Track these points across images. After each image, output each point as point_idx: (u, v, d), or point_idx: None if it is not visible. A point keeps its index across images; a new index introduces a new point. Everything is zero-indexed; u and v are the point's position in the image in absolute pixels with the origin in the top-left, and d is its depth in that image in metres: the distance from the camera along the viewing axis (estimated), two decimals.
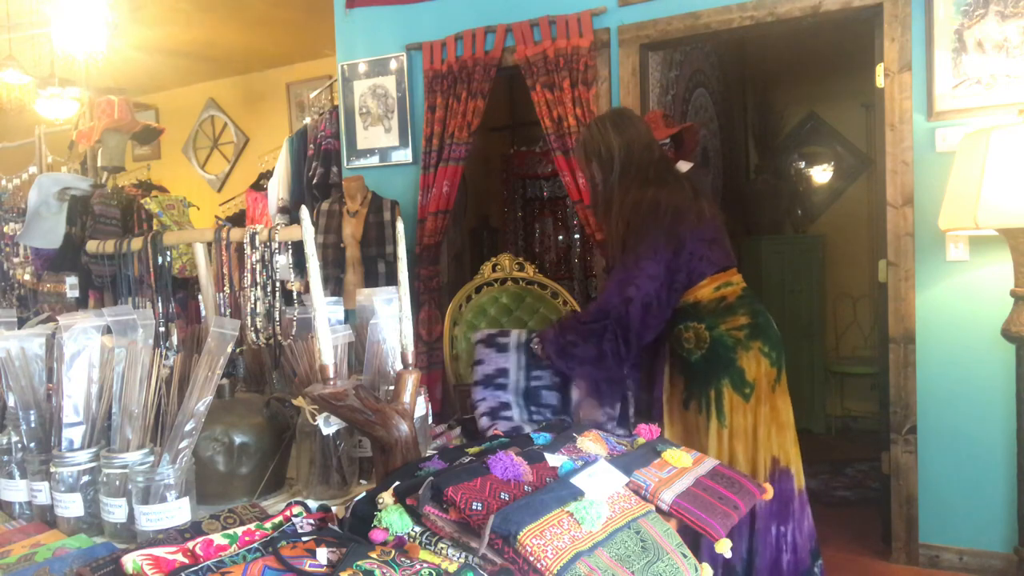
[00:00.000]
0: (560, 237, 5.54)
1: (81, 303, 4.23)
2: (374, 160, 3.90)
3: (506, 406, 2.12)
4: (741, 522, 2.09)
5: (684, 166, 2.68)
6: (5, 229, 4.66)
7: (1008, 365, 2.61)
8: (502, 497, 1.05)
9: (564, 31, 3.32)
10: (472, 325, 3.27)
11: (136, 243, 2.32)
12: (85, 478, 1.28)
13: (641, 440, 1.50)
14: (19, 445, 1.38)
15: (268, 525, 1.08)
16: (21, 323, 1.97)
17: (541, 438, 1.41)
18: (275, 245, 2.09)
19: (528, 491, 1.10)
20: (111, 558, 1.00)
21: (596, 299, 2.26)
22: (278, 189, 4.36)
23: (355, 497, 1.14)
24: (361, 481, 1.53)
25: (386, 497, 1.08)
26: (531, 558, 0.95)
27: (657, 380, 2.30)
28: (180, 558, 0.96)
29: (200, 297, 2.30)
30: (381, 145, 3.88)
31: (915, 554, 2.91)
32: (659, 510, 1.23)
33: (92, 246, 2.48)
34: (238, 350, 2.05)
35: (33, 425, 1.36)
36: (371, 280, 3.54)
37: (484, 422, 2.06)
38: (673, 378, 2.28)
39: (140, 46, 5.51)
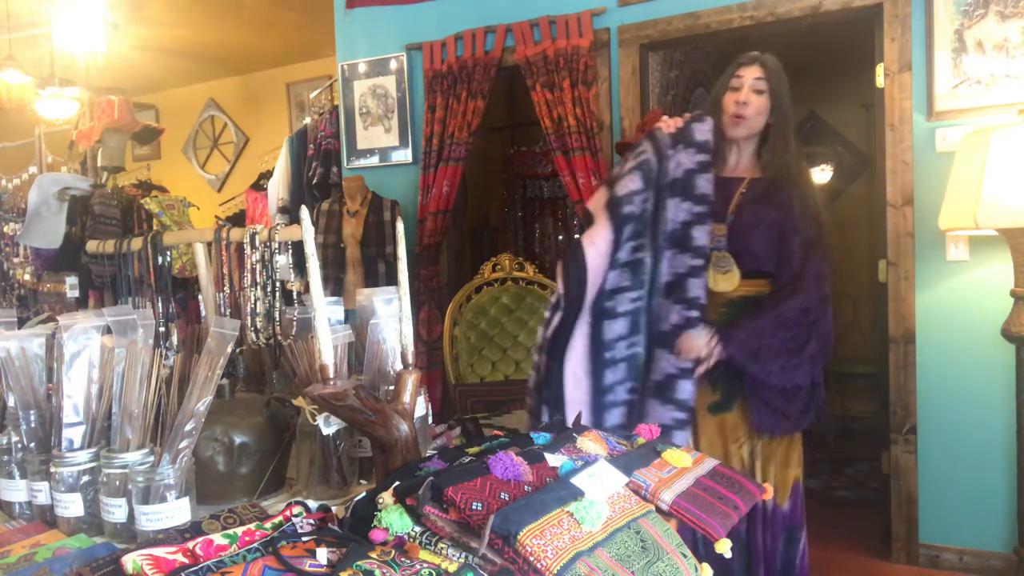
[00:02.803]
0: (560, 237, 5.54)
1: (81, 303, 4.23)
2: (374, 160, 3.90)
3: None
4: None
5: None
6: (5, 229, 4.67)
7: (1008, 365, 2.61)
8: (502, 497, 1.05)
9: (564, 31, 3.32)
10: (472, 325, 3.27)
11: (136, 243, 2.32)
12: (85, 478, 1.28)
13: (641, 440, 1.50)
14: (19, 445, 1.38)
15: (268, 525, 1.07)
16: (21, 323, 1.97)
17: (541, 438, 1.41)
18: (275, 245, 2.08)
19: (528, 491, 1.10)
20: (111, 558, 1.00)
21: (789, 292, 1.94)
22: (278, 189, 4.37)
23: (355, 497, 1.14)
24: (361, 481, 1.53)
25: (386, 497, 1.08)
26: (531, 558, 0.95)
27: None
28: (180, 558, 0.96)
29: (200, 297, 2.30)
30: (381, 145, 3.88)
31: (915, 554, 2.91)
32: (659, 510, 1.23)
33: (92, 246, 2.48)
34: (238, 350, 2.05)
35: (33, 425, 1.36)
36: (371, 280, 3.54)
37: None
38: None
39: (140, 46, 5.51)
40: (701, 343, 1.90)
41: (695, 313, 1.91)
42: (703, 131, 1.97)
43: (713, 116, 2.04)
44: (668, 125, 1.99)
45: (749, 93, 2.00)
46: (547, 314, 1.90)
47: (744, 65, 2.03)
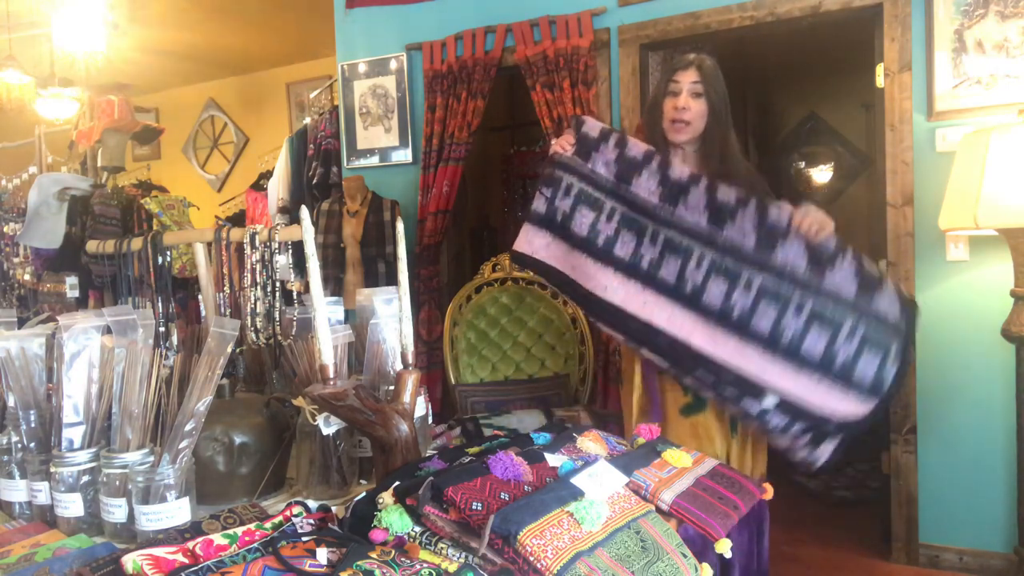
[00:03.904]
0: None
1: (81, 303, 4.23)
2: (374, 160, 3.90)
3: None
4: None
5: None
6: (5, 229, 4.67)
7: (1008, 365, 2.61)
8: (502, 497, 1.05)
9: (564, 31, 3.32)
10: (472, 325, 3.27)
11: (136, 243, 2.32)
12: (85, 478, 1.28)
13: (641, 440, 1.50)
14: (19, 445, 1.38)
15: (268, 525, 1.08)
16: (21, 323, 1.97)
17: (541, 438, 1.41)
18: (275, 245, 2.09)
19: (528, 491, 1.10)
20: (111, 558, 1.00)
21: None
22: (278, 189, 4.37)
23: (355, 497, 1.14)
24: (361, 481, 1.53)
25: (386, 497, 1.08)
26: (531, 558, 0.95)
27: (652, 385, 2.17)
28: (180, 558, 0.96)
29: (200, 297, 2.30)
30: (381, 145, 3.88)
31: (915, 554, 2.91)
32: (659, 510, 1.23)
33: (92, 246, 2.48)
34: (238, 350, 2.05)
35: (33, 425, 1.36)
36: (371, 280, 3.54)
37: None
38: (669, 381, 2.13)
39: (140, 46, 5.51)
40: (815, 214, 1.83)
41: (787, 210, 1.84)
42: (591, 127, 1.99)
43: (653, 121, 2.07)
44: (562, 146, 2.00)
45: (687, 98, 2.00)
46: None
47: (680, 69, 2.03)
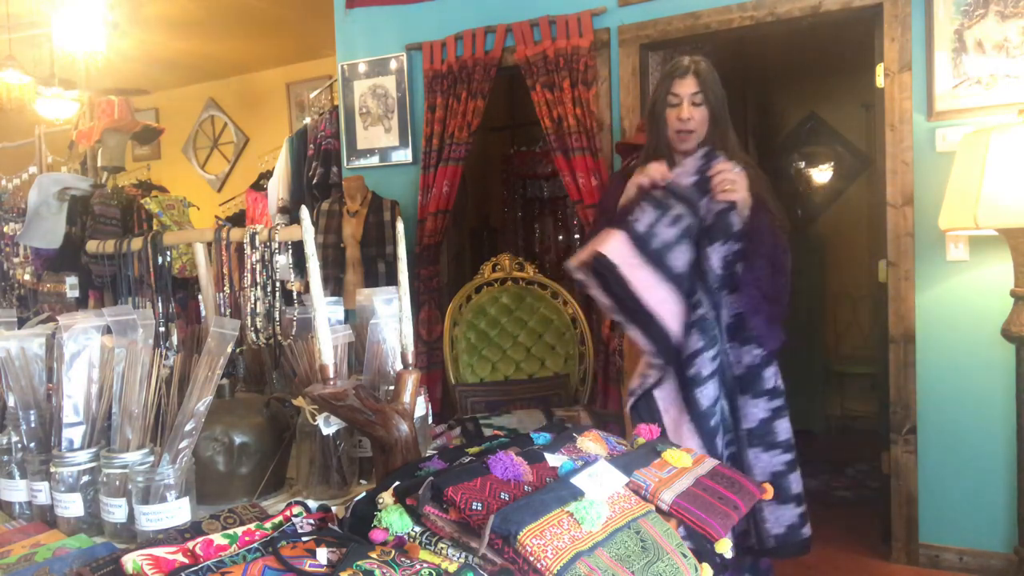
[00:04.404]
0: (560, 237, 5.54)
1: (81, 303, 4.23)
2: (374, 160, 3.90)
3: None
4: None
5: None
6: (5, 229, 4.67)
7: (1008, 365, 2.61)
8: (502, 497, 1.05)
9: (564, 31, 3.32)
10: (472, 325, 3.27)
11: (136, 243, 2.32)
12: (85, 478, 1.28)
13: (641, 440, 1.49)
14: (19, 445, 1.38)
15: (268, 525, 1.07)
16: (21, 323, 1.97)
17: (541, 438, 1.41)
18: (275, 245, 2.08)
19: (528, 491, 1.10)
20: (111, 558, 1.00)
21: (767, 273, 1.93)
22: (278, 189, 4.37)
23: (355, 497, 1.14)
24: (361, 481, 1.53)
25: (386, 497, 1.08)
26: (531, 558, 0.95)
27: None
28: (180, 558, 0.96)
29: (200, 297, 2.30)
30: (381, 145, 3.88)
31: (915, 554, 2.91)
32: (659, 510, 1.23)
33: (92, 246, 2.48)
34: (238, 350, 2.05)
35: (33, 425, 1.36)
36: (371, 280, 3.54)
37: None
38: None
39: (140, 46, 5.51)
40: (741, 179, 1.82)
41: (765, 349, 1.88)
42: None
43: (657, 131, 2.06)
44: (674, 177, 1.88)
45: (689, 108, 1.99)
46: (641, 382, 1.87)
47: (678, 78, 2.01)
